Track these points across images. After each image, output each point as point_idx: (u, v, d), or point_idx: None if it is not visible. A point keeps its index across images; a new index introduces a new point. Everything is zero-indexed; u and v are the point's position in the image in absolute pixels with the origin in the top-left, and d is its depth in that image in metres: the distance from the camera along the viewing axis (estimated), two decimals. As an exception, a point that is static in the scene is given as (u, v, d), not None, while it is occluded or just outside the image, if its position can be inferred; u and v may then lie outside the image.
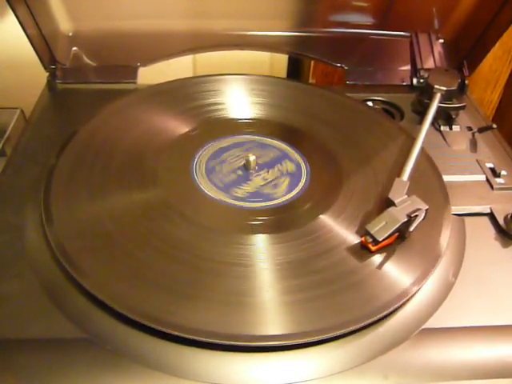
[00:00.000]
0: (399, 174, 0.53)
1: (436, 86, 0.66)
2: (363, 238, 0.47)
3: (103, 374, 0.39)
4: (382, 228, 0.46)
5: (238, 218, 0.50)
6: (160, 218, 0.49)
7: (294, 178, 0.55)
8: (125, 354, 0.39)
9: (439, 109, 0.65)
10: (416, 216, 0.47)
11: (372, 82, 0.76)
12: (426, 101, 0.66)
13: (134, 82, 0.72)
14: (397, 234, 0.47)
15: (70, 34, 0.72)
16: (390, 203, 0.49)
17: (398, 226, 0.46)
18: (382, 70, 0.77)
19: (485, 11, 0.69)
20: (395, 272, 0.45)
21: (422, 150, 0.58)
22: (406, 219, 0.47)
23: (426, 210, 0.48)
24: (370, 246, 0.46)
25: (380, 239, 0.46)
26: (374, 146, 0.60)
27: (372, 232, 0.46)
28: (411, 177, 0.53)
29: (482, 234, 0.52)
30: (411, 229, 0.47)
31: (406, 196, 0.49)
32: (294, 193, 0.53)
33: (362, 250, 0.47)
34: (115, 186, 0.52)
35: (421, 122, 0.61)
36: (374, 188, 0.54)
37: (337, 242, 0.48)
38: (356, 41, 0.78)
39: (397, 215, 0.47)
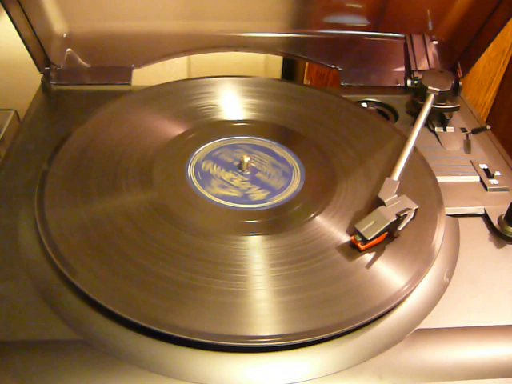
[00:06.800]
0: (390, 173, 0.53)
1: (430, 88, 0.66)
2: (353, 237, 0.47)
3: (98, 375, 0.39)
4: (371, 227, 0.47)
5: (233, 219, 0.50)
6: (154, 220, 0.49)
7: (242, 199, 0.53)
8: (120, 355, 0.39)
9: (433, 110, 0.65)
10: (405, 215, 0.47)
11: (366, 84, 0.76)
12: (420, 102, 0.66)
13: (129, 84, 0.72)
14: (386, 234, 0.48)
15: (64, 36, 0.72)
16: (380, 202, 0.49)
17: (386, 225, 0.47)
18: (376, 71, 0.77)
19: (479, 13, 0.70)
20: (390, 273, 0.46)
21: (416, 151, 0.59)
22: (395, 218, 0.47)
23: (416, 209, 0.48)
24: (359, 244, 0.47)
25: (369, 238, 0.46)
26: (369, 146, 0.60)
27: (361, 231, 0.46)
28: (402, 177, 0.53)
29: (476, 234, 0.52)
30: (400, 228, 0.47)
31: (396, 195, 0.50)
32: (223, 202, 0.52)
33: (357, 251, 0.47)
34: (109, 188, 0.52)
35: (414, 123, 0.62)
36: (369, 188, 0.54)
37: (331, 243, 0.48)
38: (350, 42, 0.78)
39: (386, 214, 0.47)
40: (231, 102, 0.66)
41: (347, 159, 0.58)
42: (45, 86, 0.71)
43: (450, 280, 0.47)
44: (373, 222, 0.47)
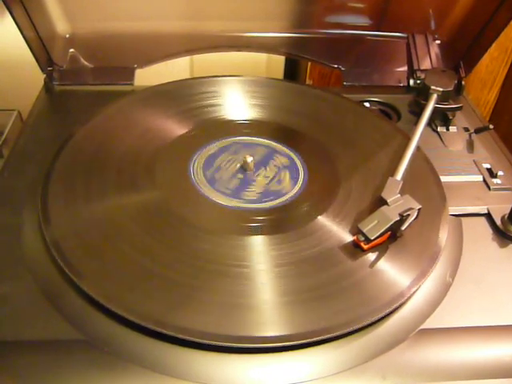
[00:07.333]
0: (393, 173, 0.53)
1: (432, 87, 0.66)
2: (355, 237, 0.47)
3: (101, 375, 0.39)
4: (374, 227, 0.46)
5: (236, 219, 0.50)
6: (157, 220, 0.49)
7: (292, 170, 0.55)
8: (123, 355, 0.39)
9: (436, 110, 0.65)
10: (408, 215, 0.47)
11: (369, 83, 0.76)
12: (423, 101, 0.66)
13: (131, 84, 0.72)
14: (389, 233, 0.48)
15: (67, 36, 0.72)
16: (383, 202, 0.49)
17: (389, 224, 0.47)
18: (378, 71, 0.77)
19: (481, 12, 0.70)
20: (393, 272, 0.45)
21: (420, 150, 0.58)
22: (398, 218, 0.47)
23: (419, 209, 0.48)
24: (362, 244, 0.47)
25: (372, 238, 0.46)
26: (371, 146, 0.60)
27: (364, 231, 0.46)
28: (405, 176, 0.53)
29: (479, 234, 0.52)
30: (403, 228, 0.47)
31: (399, 195, 0.50)
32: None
33: (360, 251, 0.47)
34: (112, 188, 0.52)
35: (417, 122, 0.62)
36: (372, 188, 0.54)
37: (335, 242, 0.48)
38: (353, 42, 0.78)
39: (389, 214, 0.47)
40: (234, 102, 0.66)
41: (350, 159, 0.58)
42: (48, 87, 0.71)
43: (453, 280, 0.47)
44: (376, 221, 0.47)
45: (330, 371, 0.40)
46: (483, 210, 0.54)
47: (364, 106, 0.70)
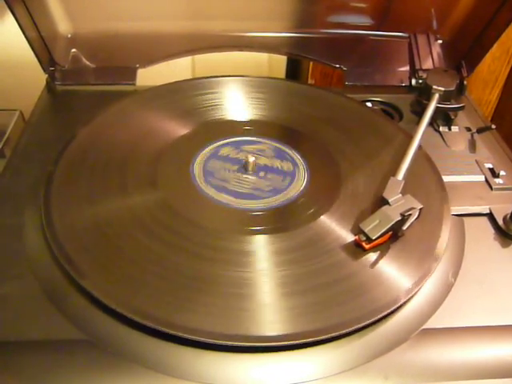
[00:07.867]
0: (395, 173, 0.53)
1: (434, 87, 0.66)
2: (357, 237, 0.47)
3: (104, 375, 0.39)
4: (376, 226, 0.46)
5: (238, 218, 0.50)
6: (160, 220, 0.49)
7: (247, 198, 0.53)
8: (126, 355, 0.40)
9: (438, 109, 0.65)
10: (410, 215, 0.47)
11: (371, 83, 0.76)
12: (425, 101, 0.66)
13: (133, 84, 0.72)
14: (391, 233, 0.48)
15: (69, 36, 0.72)
16: (385, 202, 0.49)
17: (391, 224, 0.47)
18: (380, 70, 0.77)
19: (483, 12, 0.70)
20: (395, 272, 0.45)
21: (422, 150, 0.58)
22: (399, 218, 0.47)
23: (420, 209, 0.48)
24: (363, 244, 0.47)
25: (373, 237, 0.46)
26: (373, 146, 0.60)
27: (365, 230, 0.46)
28: (406, 176, 0.53)
29: (482, 234, 0.52)
30: (405, 227, 0.47)
31: (401, 195, 0.50)
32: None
33: (361, 251, 0.47)
34: (114, 188, 0.52)
35: (419, 122, 0.62)
36: (374, 188, 0.54)
37: (336, 242, 0.48)
38: (355, 42, 0.78)
39: (390, 214, 0.47)
40: (236, 102, 0.66)
41: (352, 159, 0.58)
42: (50, 87, 0.71)
43: (455, 280, 0.47)
44: (377, 221, 0.47)
45: (331, 371, 0.40)
46: (485, 209, 0.54)
47: (366, 105, 0.70)
